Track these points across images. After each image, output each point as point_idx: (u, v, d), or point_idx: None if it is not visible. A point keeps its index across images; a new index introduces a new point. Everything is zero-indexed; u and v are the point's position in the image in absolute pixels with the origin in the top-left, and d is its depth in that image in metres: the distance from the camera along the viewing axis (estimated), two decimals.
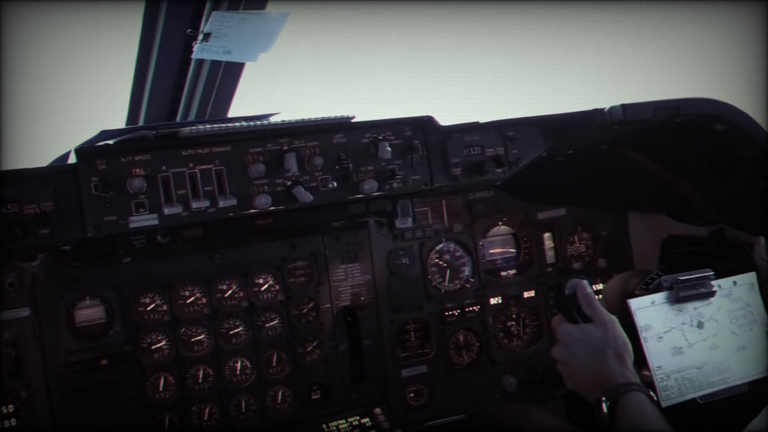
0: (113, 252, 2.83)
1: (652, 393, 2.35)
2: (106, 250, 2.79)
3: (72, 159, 2.60)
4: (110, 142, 2.68)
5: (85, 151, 2.60)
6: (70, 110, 3.71)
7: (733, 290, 2.64)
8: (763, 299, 2.66)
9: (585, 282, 2.58)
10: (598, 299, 2.58)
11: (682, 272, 2.60)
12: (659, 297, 2.56)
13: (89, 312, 3.02)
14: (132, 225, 2.63)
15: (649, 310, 2.53)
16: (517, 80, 4.81)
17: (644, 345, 2.49)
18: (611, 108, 2.90)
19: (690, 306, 2.58)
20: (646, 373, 2.47)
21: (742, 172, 3.02)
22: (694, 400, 2.49)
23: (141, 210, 2.64)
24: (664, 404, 2.41)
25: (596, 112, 2.96)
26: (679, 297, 2.55)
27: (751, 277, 2.68)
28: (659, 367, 2.48)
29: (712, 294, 2.59)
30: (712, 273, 2.61)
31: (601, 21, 4.64)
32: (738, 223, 3.13)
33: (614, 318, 2.47)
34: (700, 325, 2.57)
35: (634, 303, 2.54)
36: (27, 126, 3.65)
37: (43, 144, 3.57)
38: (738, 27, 4.24)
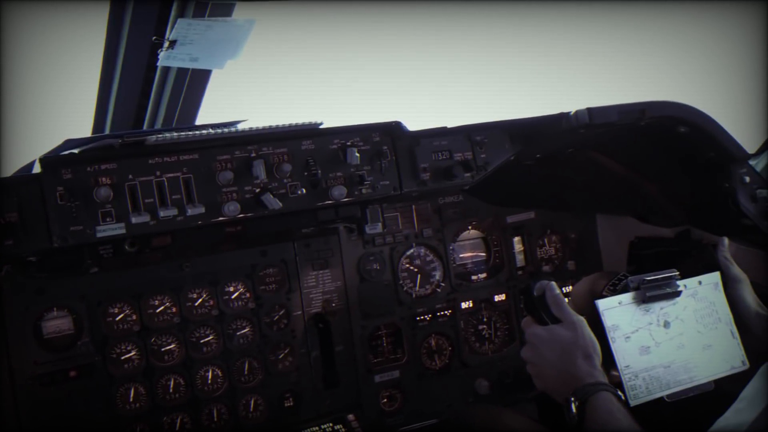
0: (80, 262, 2.82)
1: (619, 392, 2.37)
2: (72, 260, 2.78)
3: (36, 169, 2.58)
4: (75, 151, 2.66)
5: (50, 160, 2.58)
6: (34, 119, 3.68)
7: (698, 290, 2.67)
8: (727, 298, 2.70)
9: (553, 283, 2.59)
10: (567, 301, 2.60)
11: (649, 273, 2.62)
12: (626, 297, 2.58)
13: (57, 323, 2.98)
14: (99, 234, 2.62)
15: (617, 311, 2.55)
16: (488, 85, 4.84)
17: (612, 345, 2.50)
18: (577, 112, 2.92)
19: (656, 306, 2.60)
20: (614, 373, 2.49)
21: (706, 174, 3.06)
22: (661, 398, 2.51)
23: (108, 219, 2.63)
24: (632, 403, 2.43)
25: (562, 116, 2.98)
26: (645, 297, 2.57)
27: (715, 276, 2.71)
28: (627, 366, 2.49)
29: (677, 294, 2.62)
30: (677, 273, 2.64)
31: (597, 23, 4.66)
32: (703, 223, 3.17)
33: (582, 319, 2.48)
34: (666, 324, 2.59)
35: (602, 303, 2.55)
36: None
37: (6, 154, 3.53)
38: (738, 27, 4.27)
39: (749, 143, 3.02)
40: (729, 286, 2.72)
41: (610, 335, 2.52)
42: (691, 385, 2.56)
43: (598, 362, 2.42)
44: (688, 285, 2.66)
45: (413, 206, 3.53)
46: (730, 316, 2.67)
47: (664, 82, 4.64)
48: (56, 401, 2.94)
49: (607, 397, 2.30)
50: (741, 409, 2.00)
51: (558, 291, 2.57)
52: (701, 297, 2.67)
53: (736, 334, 2.66)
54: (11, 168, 3.03)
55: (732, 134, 2.91)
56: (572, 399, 2.33)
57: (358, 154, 2.93)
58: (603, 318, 2.53)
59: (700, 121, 2.89)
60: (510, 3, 4.48)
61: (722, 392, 2.44)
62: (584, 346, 2.42)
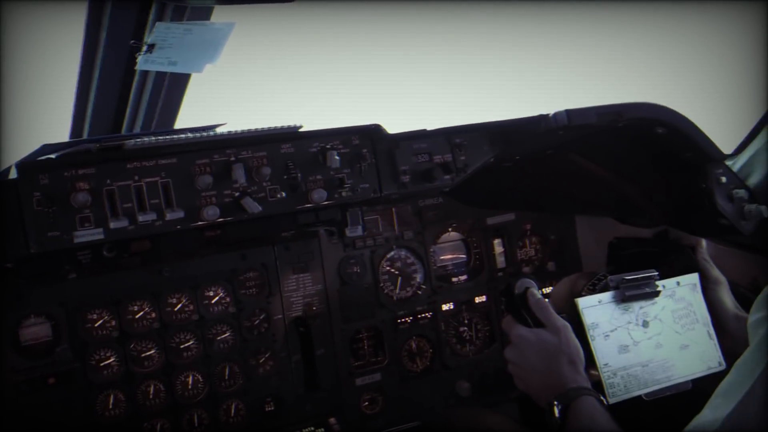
0: (58, 268, 2.80)
1: (602, 397, 2.39)
2: (50, 266, 2.76)
3: (13, 174, 2.56)
4: (52, 156, 2.65)
5: (27, 165, 2.56)
6: (10, 124, 3.64)
7: (677, 290, 2.70)
8: (706, 300, 2.72)
9: (535, 289, 2.62)
10: (547, 301, 2.62)
11: (628, 272, 2.65)
12: (606, 296, 2.61)
13: (35, 330, 2.94)
14: (77, 240, 2.60)
15: (596, 309, 2.58)
16: (471, 87, 4.85)
17: (592, 343, 2.53)
18: (556, 113, 2.93)
19: (636, 305, 2.63)
20: (593, 372, 2.52)
21: (683, 175, 3.08)
22: (639, 397, 2.54)
23: (86, 224, 2.61)
24: (610, 401, 2.46)
25: (542, 118, 3.00)
26: (624, 296, 2.60)
27: (693, 278, 2.74)
28: (606, 364, 2.52)
29: (656, 294, 2.65)
30: (656, 273, 2.67)
31: (592, 22, 4.67)
32: (681, 224, 3.20)
33: (567, 324, 2.51)
34: (645, 324, 2.62)
35: (582, 302, 2.58)
36: None
37: None
38: (738, 27, 4.29)
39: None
40: (707, 287, 2.76)
41: (590, 333, 2.54)
42: (668, 384, 2.59)
43: (582, 368, 2.44)
44: (666, 285, 2.69)
45: (393, 209, 3.53)
46: (708, 317, 2.71)
47: (658, 82, 4.66)
48: (36, 409, 2.90)
49: (591, 402, 2.33)
50: (717, 405, 2.03)
51: (540, 296, 2.59)
52: (679, 298, 2.70)
53: (714, 335, 2.69)
54: None
55: (708, 135, 2.93)
56: (556, 403, 2.35)
57: (338, 157, 2.93)
58: (583, 316, 2.56)
59: (677, 123, 2.91)
60: (489, 4, 4.49)
61: (700, 391, 2.46)
62: (569, 352, 2.45)
